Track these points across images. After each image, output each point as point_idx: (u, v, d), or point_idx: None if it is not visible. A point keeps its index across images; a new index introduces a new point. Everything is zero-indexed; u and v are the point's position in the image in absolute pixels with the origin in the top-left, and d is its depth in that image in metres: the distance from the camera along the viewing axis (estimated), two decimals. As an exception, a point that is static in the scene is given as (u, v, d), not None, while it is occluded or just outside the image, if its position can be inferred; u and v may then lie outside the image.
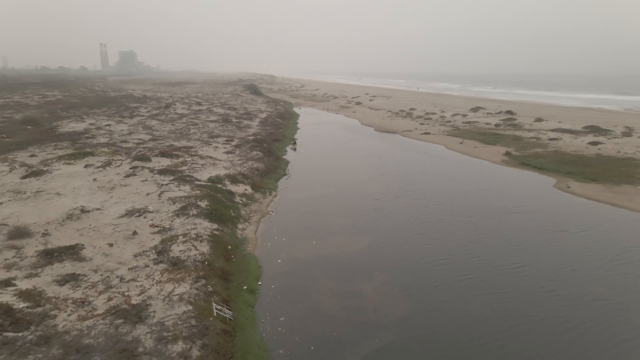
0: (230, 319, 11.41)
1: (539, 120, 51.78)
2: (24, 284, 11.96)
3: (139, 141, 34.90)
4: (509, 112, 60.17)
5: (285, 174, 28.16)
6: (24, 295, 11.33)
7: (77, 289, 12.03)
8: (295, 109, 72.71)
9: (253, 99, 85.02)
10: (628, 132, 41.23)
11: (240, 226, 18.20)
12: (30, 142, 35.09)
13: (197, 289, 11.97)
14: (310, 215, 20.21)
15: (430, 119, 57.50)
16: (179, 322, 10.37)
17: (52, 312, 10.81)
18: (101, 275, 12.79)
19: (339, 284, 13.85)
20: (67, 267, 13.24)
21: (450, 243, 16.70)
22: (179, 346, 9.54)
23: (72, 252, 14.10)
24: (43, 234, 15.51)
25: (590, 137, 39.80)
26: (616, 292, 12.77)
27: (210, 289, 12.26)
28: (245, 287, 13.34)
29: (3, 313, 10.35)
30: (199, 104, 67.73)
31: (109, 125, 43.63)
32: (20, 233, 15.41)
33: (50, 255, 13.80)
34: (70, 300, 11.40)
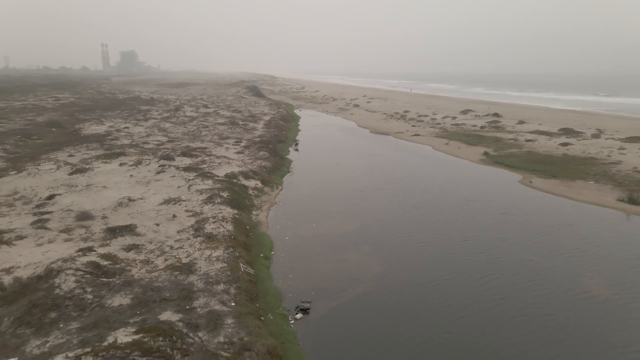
0: (253, 274, 15.74)
1: (521, 122, 56.13)
2: (101, 250, 16.27)
3: (158, 142, 39.21)
4: (495, 114, 64.41)
5: (289, 171, 32.50)
6: (104, 257, 15.64)
7: (140, 253, 16.37)
8: (296, 111, 76.92)
9: (256, 101, 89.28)
10: (597, 134, 45.56)
11: (254, 212, 22.55)
12: (60, 143, 39.36)
13: (228, 254, 16.29)
14: (310, 205, 24.53)
15: (422, 121, 61.73)
16: (219, 273, 14.70)
17: (127, 268, 15.15)
18: (155, 245, 17.13)
19: (333, 253, 18.17)
20: (127, 239, 17.57)
21: (418, 223, 21.27)
22: (221, 286, 13.87)
23: (129, 229, 18.43)
24: (102, 217, 19.85)
25: (563, 139, 44.07)
26: (536, 255, 17.16)
27: (237, 254, 16.59)
28: (262, 255, 17.69)
29: (95, 267, 14.68)
30: (205, 106, 71.94)
31: (127, 127, 47.89)
32: (84, 216, 19.76)
33: (113, 232, 18.13)
34: (138, 261, 15.73)
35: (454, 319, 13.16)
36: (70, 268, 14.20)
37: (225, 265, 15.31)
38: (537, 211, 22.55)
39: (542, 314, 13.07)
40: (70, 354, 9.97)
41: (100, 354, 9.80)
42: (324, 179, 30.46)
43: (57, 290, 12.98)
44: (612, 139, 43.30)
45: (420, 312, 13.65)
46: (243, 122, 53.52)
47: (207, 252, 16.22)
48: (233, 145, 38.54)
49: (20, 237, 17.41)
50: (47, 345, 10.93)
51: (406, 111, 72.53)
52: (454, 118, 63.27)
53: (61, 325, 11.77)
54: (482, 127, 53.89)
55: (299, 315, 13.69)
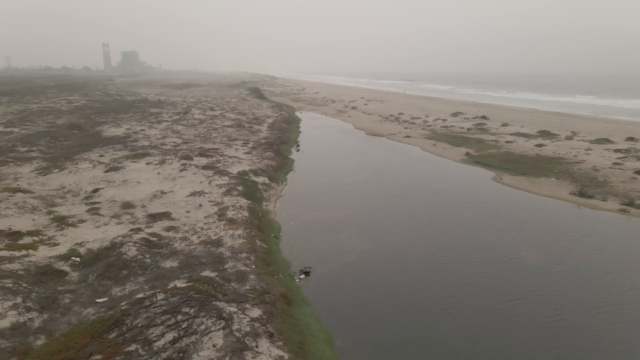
0: (266, 248, 20.33)
1: (504, 125, 60.67)
2: (147, 230, 20.83)
3: (174, 144, 43.74)
4: (483, 117, 68.97)
5: (292, 170, 37.07)
6: (151, 235, 20.21)
7: (178, 233, 20.95)
8: (297, 113, 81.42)
9: (259, 103, 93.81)
10: (571, 136, 50.15)
11: (264, 203, 27.14)
12: (87, 144, 43.87)
13: (246, 233, 20.87)
14: (310, 197, 29.09)
15: (414, 123, 66.26)
16: (241, 246, 19.28)
17: (170, 243, 19.73)
18: (188, 227, 21.70)
19: (329, 234, 22.75)
20: (166, 223, 22.13)
21: (395, 209, 26.14)
22: (243, 255, 18.45)
23: (165, 215, 23.00)
24: (142, 206, 24.43)
25: (539, 140, 48.63)
26: (484, 233, 21.92)
27: (253, 233, 21.17)
28: (272, 235, 22.28)
29: (147, 241, 19.26)
30: (212, 109, 76.49)
31: (143, 130, 52.36)
32: (127, 205, 24.34)
33: (153, 217, 22.70)
34: (177, 238, 20.32)
35: (411, 276, 17.94)
36: (129, 241, 18.81)
37: (245, 240, 19.90)
38: (496, 201, 27.26)
39: (477, 273, 17.70)
40: (146, 293, 14.57)
41: (168, 292, 14.39)
42: (322, 175, 35.06)
43: (125, 256, 17.58)
44: (583, 140, 47.89)
45: (389, 273, 18.30)
46: (249, 125, 58.06)
47: (230, 232, 20.81)
48: (241, 146, 43.08)
49: (81, 221, 22.01)
50: (126, 290, 15.53)
51: (400, 113, 77.04)
52: (444, 120, 67.76)
53: (132, 279, 16.37)
54: (468, 129, 58.43)
55: (302, 276, 18.30)
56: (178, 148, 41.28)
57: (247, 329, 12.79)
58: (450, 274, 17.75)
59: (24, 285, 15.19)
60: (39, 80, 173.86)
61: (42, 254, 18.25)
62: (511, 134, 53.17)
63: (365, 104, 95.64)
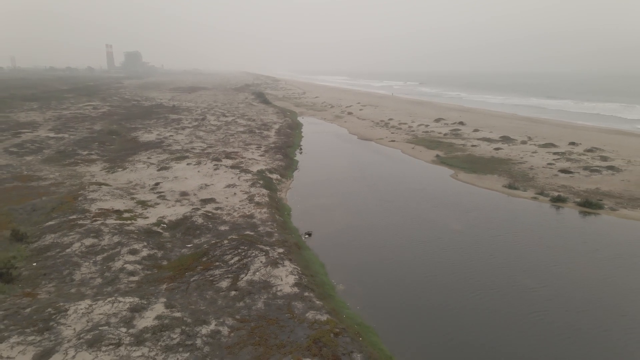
0: (282, 220, 30.87)
1: (476, 130, 71.03)
2: (203, 209, 31.30)
3: (201, 148, 54.15)
4: (460, 122, 79.17)
5: (297, 168, 47.56)
6: (206, 212, 30.70)
7: (223, 211, 31.45)
8: (299, 118, 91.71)
9: (264, 109, 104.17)
10: (525, 141, 60.56)
11: (278, 193, 37.69)
12: (131, 148, 54.20)
13: (269, 210, 31.38)
14: (311, 189, 39.61)
15: (400, 128, 76.56)
16: (267, 218, 29.77)
17: (220, 216, 30.24)
18: (230, 207, 32.20)
19: (324, 213, 33.26)
20: (214, 205, 32.63)
21: (369, 195, 36.85)
22: (269, 223, 28.94)
23: (212, 200, 33.51)
24: (194, 194, 34.95)
25: (499, 145, 58.99)
26: (424, 210, 32.43)
27: (273, 211, 31.72)
28: (286, 213, 32.86)
29: (206, 216, 29.77)
30: (224, 115, 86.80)
31: (171, 135, 62.73)
32: (184, 194, 34.83)
33: (204, 201, 33.22)
34: (224, 213, 30.84)
35: (372, 234, 28.62)
36: (195, 215, 29.35)
37: (269, 215, 30.47)
38: (443, 190, 37.95)
39: (411, 229, 28.41)
40: (216, 240, 25.08)
41: (229, 239, 24.91)
42: (320, 173, 45.59)
43: (196, 223, 28.12)
44: (534, 145, 58.25)
45: (360, 234, 28.94)
46: (259, 131, 68.57)
47: (258, 210, 31.37)
48: (255, 150, 53.55)
49: (156, 204, 32.54)
50: (202, 240, 26.02)
51: (390, 119, 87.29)
52: (426, 126, 78.02)
53: (203, 235, 26.88)
54: (445, 134, 68.79)
55: (306, 236, 28.85)
56: (205, 151, 51.71)
57: (277, 256, 23.35)
58: (395, 231, 28.79)
59: (142, 237, 25.75)
60: (50, 83, 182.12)
61: (141, 222, 28.78)
62: (478, 139, 63.50)
63: (361, 109, 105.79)
